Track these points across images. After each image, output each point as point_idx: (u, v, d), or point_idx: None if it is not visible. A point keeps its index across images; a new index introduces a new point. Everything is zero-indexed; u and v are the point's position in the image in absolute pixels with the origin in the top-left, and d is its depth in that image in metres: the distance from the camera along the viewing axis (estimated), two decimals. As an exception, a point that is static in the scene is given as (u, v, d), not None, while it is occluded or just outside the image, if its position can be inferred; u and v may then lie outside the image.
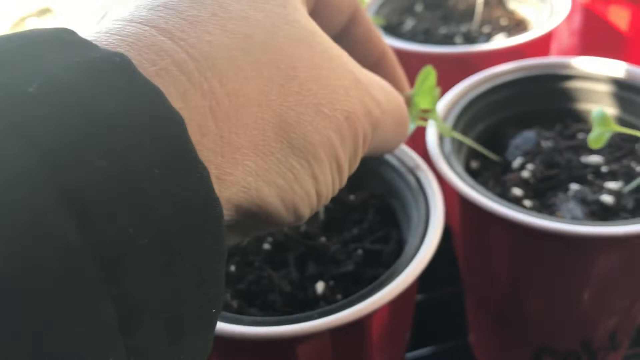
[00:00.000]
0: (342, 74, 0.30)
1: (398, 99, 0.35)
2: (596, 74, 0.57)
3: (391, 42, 0.67)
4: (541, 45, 0.66)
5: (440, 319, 0.69)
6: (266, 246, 0.48)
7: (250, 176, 0.26)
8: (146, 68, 0.23)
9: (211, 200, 0.22)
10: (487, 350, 0.62)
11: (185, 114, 0.23)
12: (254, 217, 0.27)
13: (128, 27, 0.24)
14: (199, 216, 0.21)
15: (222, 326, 0.39)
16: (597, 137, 0.45)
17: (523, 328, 0.55)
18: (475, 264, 0.55)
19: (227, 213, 0.26)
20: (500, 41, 0.69)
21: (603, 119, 0.44)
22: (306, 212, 0.30)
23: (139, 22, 0.25)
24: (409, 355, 0.64)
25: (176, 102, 0.23)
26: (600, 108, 0.44)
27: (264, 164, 0.26)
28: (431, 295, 0.69)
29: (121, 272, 0.19)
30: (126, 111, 0.20)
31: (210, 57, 0.25)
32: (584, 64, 0.57)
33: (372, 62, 0.40)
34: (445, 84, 0.57)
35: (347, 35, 0.38)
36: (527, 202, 0.50)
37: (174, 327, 0.21)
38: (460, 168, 0.49)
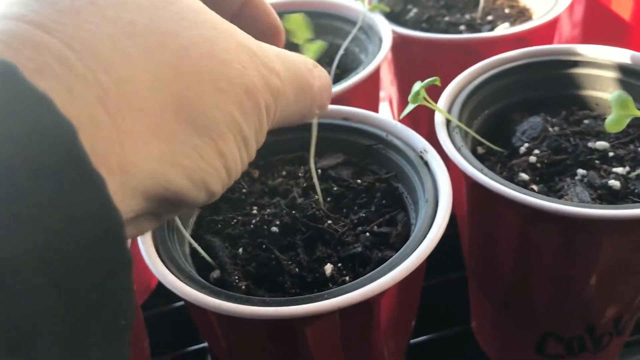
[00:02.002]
0: (236, 48, 0.29)
1: (298, 67, 0.34)
2: (602, 60, 0.57)
3: (395, 28, 0.67)
4: (545, 33, 0.66)
5: (441, 306, 0.69)
6: (274, 229, 0.48)
7: (155, 162, 0.26)
8: (26, 66, 0.22)
9: (108, 210, 0.21)
10: (490, 337, 0.62)
11: (73, 108, 0.22)
12: (165, 201, 0.27)
13: (0, 24, 0.23)
14: (96, 229, 0.21)
15: (231, 306, 0.39)
16: (616, 120, 0.44)
17: (528, 314, 0.55)
18: (481, 249, 0.55)
19: (136, 202, 0.26)
20: (504, 29, 0.69)
21: (623, 102, 0.43)
22: (218, 189, 0.30)
23: (12, 19, 0.24)
24: (411, 341, 0.64)
25: (62, 97, 0.22)
26: (620, 91, 0.44)
27: (167, 147, 0.26)
28: (432, 282, 0.69)
29: (15, 289, 0.18)
30: (8, 127, 0.19)
31: (91, 47, 0.24)
32: (589, 50, 0.57)
33: (269, 36, 0.40)
34: (450, 71, 0.58)
35: (243, 12, 0.38)
36: (535, 187, 0.50)
37: (74, 345, 0.20)
38: (468, 152, 0.49)
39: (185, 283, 0.41)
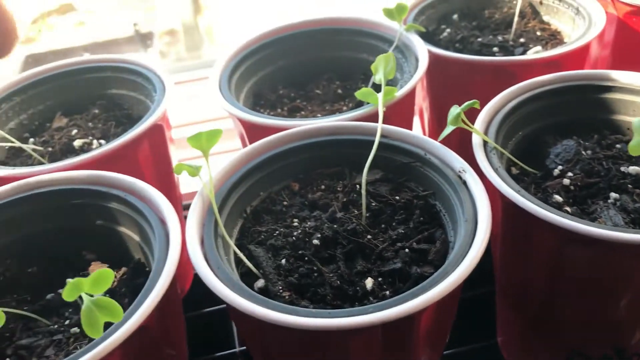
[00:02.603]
0: None
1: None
2: (634, 86, 0.58)
3: (430, 48, 0.69)
4: (578, 57, 0.68)
5: (468, 320, 0.71)
6: (315, 241, 0.49)
7: None
8: None
9: None
10: (516, 352, 0.63)
11: None
12: None
13: None
14: None
15: (278, 316, 0.41)
16: (637, 144, 0.46)
17: (556, 331, 0.56)
18: (513, 267, 0.56)
19: None
20: (537, 52, 0.70)
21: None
22: None
23: None
24: (438, 355, 0.65)
25: None
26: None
27: None
28: (460, 297, 0.70)
29: None
30: None
31: None
32: (623, 76, 0.59)
33: None
34: (482, 91, 0.59)
35: None
36: (568, 209, 0.51)
37: None
38: (505, 174, 0.51)
39: (235, 292, 0.43)
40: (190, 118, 1.07)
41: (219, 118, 1.02)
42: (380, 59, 0.58)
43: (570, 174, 0.54)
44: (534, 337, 0.59)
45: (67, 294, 0.41)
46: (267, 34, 0.77)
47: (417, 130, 0.81)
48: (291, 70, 0.77)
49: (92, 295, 0.41)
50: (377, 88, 0.60)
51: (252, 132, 0.64)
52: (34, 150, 0.67)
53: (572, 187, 0.53)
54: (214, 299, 0.78)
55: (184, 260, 0.75)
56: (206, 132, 0.50)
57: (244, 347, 0.70)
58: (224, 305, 0.74)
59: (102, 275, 0.41)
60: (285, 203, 0.55)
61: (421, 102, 0.81)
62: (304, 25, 0.78)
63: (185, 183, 0.75)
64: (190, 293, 0.77)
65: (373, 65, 0.59)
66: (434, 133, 0.79)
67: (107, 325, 0.42)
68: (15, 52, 0.99)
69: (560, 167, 0.55)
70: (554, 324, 0.55)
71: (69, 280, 0.43)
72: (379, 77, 0.58)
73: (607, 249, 0.46)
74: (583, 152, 0.56)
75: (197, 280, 0.79)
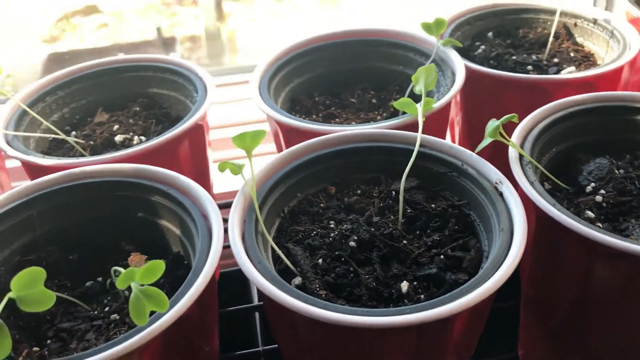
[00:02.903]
0: None
1: None
2: (669, 110, 0.59)
3: (466, 63, 0.70)
4: (611, 78, 0.69)
5: (489, 333, 0.71)
6: (352, 243, 0.51)
7: None
8: None
9: None
10: (538, 367, 0.64)
11: None
12: None
13: None
14: None
15: (317, 311, 0.42)
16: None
17: (581, 348, 0.57)
18: (542, 279, 0.57)
19: None
20: (571, 72, 0.71)
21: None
22: None
23: None
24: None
25: None
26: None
27: None
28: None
29: None
30: None
31: None
32: (657, 99, 0.60)
33: None
34: (515, 108, 0.60)
35: None
36: (600, 225, 0.52)
37: None
38: (540, 187, 0.52)
39: (276, 286, 0.44)
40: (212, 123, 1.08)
41: (242, 124, 1.02)
42: (422, 70, 0.60)
43: (602, 191, 0.55)
44: (556, 352, 0.60)
45: (121, 282, 0.42)
46: (306, 42, 0.79)
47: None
48: (328, 78, 0.79)
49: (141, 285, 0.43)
50: (413, 99, 0.62)
51: (289, 135, 0.66)
52: (76, 142, 0.69)
53: (604, 204, 0.54)
54: (238, 298, 0.79)
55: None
56: (251, 132, 0.52)
57: (267, 347, 0.71)
58: (248, 305, 0.76)
59: (154, 267, 0.43)
60: (322, 205, 0.57)
61: (453, 116, 0.82)
62: (342, 36, 0.80)
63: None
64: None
65: (414, 76, 0.61)
66: (465, 147, 0.80)
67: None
68: (38, 50, 1.01)
69: (592, 185, 0.56)
70: (579, 339, 0.56)
71: (118, 269, 0.45)
72: (419, 87, 0.60)
73: (637, 265, 0.47)
74: (616, 171, 0.57)
75: (222, 280, 0.81)
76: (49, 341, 0.50)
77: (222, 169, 0.53)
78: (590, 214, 0.53)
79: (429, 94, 0.68)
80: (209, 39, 2.17)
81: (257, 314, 0.77)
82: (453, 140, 0.85)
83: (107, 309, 0.52)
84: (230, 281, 0.80)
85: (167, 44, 2.02)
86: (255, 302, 0.80)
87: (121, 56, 0.79)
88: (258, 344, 0.73)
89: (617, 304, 0.51)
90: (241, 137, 0.52)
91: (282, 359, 0.57)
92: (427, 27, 0.73)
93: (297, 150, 0.58)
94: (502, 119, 0.53)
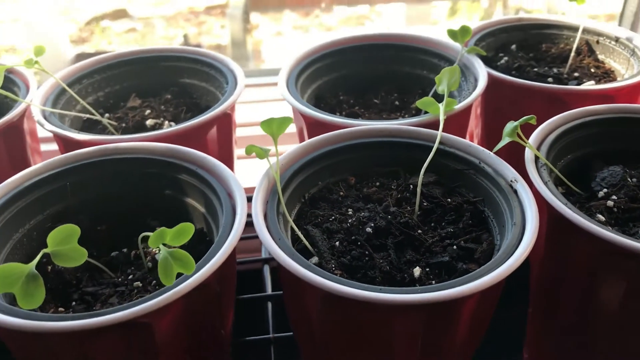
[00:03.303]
0: None
1: None
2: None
3: (489, 71, 0.72)
4: (631, 92, 0.71)
5: (494, 337, 0.73)
6: (368, 229, 0.53)
7: None
8: None
9: None
10: (543, 369, 0.65)
11: None
12: None
13: None
14: None
15: (331, 285, 0.44)
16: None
17: (589, 352, 0.58)
18: (552, 280, 0.58)
19: None
20: (592, 84, 0.73)
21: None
22: None
23: None
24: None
25: None
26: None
27: None
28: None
29: None
30: None
31: None
32: (674, 113, 0.62)
33: None
34: (537, 117, 0.62)
35: None
36: (610, 228, 0.54)
37: None
38: (554, 187, 0.54)
39: (294, 260, 0.46)
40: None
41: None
42: (446, 71, 0.62)
43: (614, 197, 0.57)
44: (563, 357, 0.61)
45: (153, 241, 0.45)
46: (335, 43, 0.81)
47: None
48: (353, 79, 0.82)
49: (169, 247, 0.45)
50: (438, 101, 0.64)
51: (314, 129, 0.68)
52: (109, 124, 0.72)
53: (615, 209, 0.56)
54: (254, 286, 0.81)
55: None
56: (278, 118, 0.54)
57: (278, 334, 0.73)
58: (262, 294, 0.78)
59: (184, 229, 0.45)
60: (341, 194, 0.59)
61: (473, 128, 0.84)
62: (370, 39, 0.82)
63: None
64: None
65: (437, 76, 0.63)
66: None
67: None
68: (67, 51, 1.05)
69: (605, 190, 0.58)
70: (585, 346, 0.57)
71: (147, 234, 0.48)
72: (442, 87, 0.62)
73: (647, 266, 0.48)
74: (629, 179, 0.58)
75: (238, 270, 0.83)
76: (74, 303, 0.53)
77: (249, 151, 0.55)
78: (601, 217, 0.55)
79: (452, 98, 0.71)
80: (235, 47, 2.22)
81: (269, 304, 0.79)
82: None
83: (130, 277, 0.54)
84: (244, 275, 0.82)
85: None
86: (269, 292, 0.82)
87: (156, 46, 0.82)
88: (269, 331, 0.75)
89: (625, 307, 0.52)
90: (268, 123, 0.54)
91: (291, 346, 0.58)
92: (452, 34, 0.75)
93: (320, 141, 0.60)
94: (520, 120, 0.55)
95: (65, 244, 0.44)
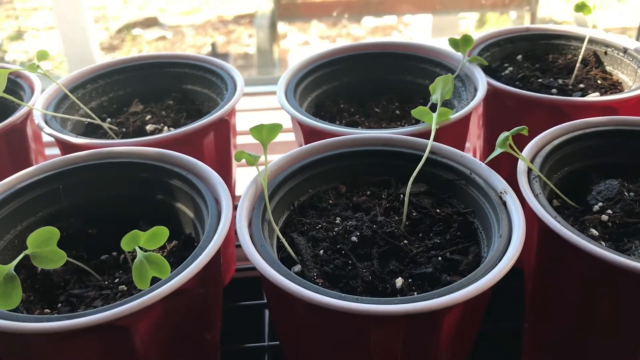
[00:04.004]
0: None
1: None
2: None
3: (490, 81, 0.72)
4: (634, 105, 0.69)
5: (489, 353, 0.72)
6: (353, 238, 0.52)
7: None
8: None
9: None
10: (538, 386, 0.64)
11: None
12: None
13: None
14: None
15: (308, 294, 0.43)
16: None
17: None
18: (544, 296, 0.57)
19: None
20: (597, 96, 0.72)
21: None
22: None
23: None
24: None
25: None
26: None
27: None
28: (484, 328, 0.71)
29: None
30: None
31: None
32: (676, 127, 0.60)
33: None
34: (536, 128, 0.61)
35: None
36: (603, 243, 0.52)
37: None
38: (544, 200, 0.52)
39: (274, 269, 0.46)
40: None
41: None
42: (439, 80, 0.61)
43: (609, 211, 0.55)
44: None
45: (125, 243, 0.45)
46: (336, 51, 0.81)
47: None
48: (354, 87, 0.81)
49: (145, 251, 0.46)
50: (434, 111, 0.63)
51: (310, 138, 0.68)
52: (109, 128, 0.73)
53: (609, 224, 0.55)
54: (250, 293, 0.81)
55: (229, 255, 0.79)
56: (267, 125, 0.54)
57: (273, 342, 0.73)
58: (258, 301, 0.78)
59: (158, 232, 0.45)
60: (330, 202, 0.58)
61: (475, 139, 0.83)
62: (371, 47, 0.82)
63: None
64: (228, 286, 0.80)
65: (431, 85, 0.62)
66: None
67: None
68: (96, 56, 1.07)
69: (600, 204, 0.56)
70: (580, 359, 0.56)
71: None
72: (435, 97, 0.61)
73: (638, 283, 0.47)
74: (626, 193, 0.57)
75: (236, 276, 0.83)
76: (59, 305, 0.53)
77: (238, 158, 0.55)
78: (594, 231, 0.54)
79: (451, 107, 0.70)
80: (260, 55, 2.24)
81: (266, 311, 0.79)
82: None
83: (116, 280, 0.55)
84: (244, 282, 0.82)
85: (221, 59, 2.09)
86: (266, 299, 0.82)
87: (160, 52, 0.83)
88: (265, 339, 0.75)
89: (618, 321, 0.51)
90: (258, 129, 0.54)
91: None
92: (454, 43, 0.75)
93: (312, 148, 0.60)
94: (512, 130, 0.54)
95: (44, 246, 0.45)
